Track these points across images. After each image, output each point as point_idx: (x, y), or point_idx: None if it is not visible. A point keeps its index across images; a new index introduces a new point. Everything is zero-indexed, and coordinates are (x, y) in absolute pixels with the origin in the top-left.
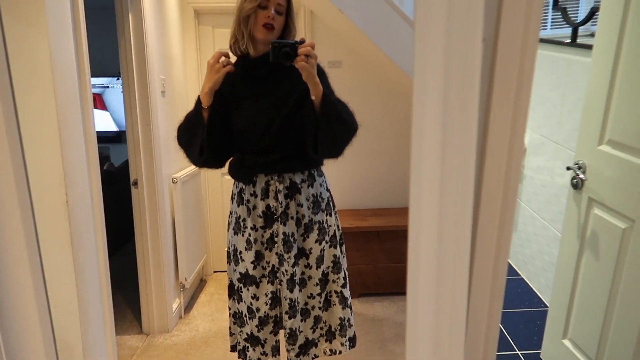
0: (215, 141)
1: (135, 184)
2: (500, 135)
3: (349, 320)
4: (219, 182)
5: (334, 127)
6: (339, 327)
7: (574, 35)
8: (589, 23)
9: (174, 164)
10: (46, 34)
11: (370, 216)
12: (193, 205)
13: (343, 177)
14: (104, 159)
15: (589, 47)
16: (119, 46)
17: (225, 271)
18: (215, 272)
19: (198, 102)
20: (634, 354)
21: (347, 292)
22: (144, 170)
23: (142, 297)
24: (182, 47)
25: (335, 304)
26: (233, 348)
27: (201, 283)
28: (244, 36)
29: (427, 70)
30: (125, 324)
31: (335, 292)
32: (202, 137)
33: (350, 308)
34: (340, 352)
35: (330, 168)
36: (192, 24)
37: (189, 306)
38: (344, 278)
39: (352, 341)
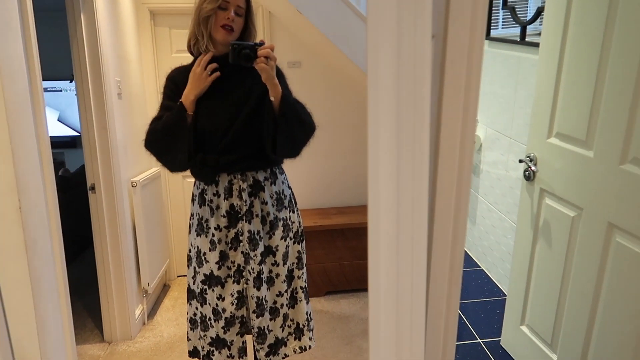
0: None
1: (93, 188)
2: (452, 128)
3: (311, 314)
4: (180, 184)
5: (292, 127)
6: (306, 323)
7: (523, 33)
8: (537, 22)
9: (133, 167)
10: None
11: (335, 214)
12: (154, 208)
13: (307, 177)
14: (58, 164)
15: (536, 45)
16: (72, 48)
17: None
18: (179, 276)
19: (180, 108)
20: (586, 336)
21: (307, 287)
22: (102, 175)
23: (103, 304)
24: (138, 48)
25: (301, 300)
26: (191, 354)
27: (165, 288)
28: (204, 37)
29: (379, 67)
30: (86, 332)
31: (301, 287)
32: (189, 143)
33: (310, 303)
34: (309, 347)
35: (294, 167)
36: (147, 24)
37: (152, 312)
38: (305, 273)
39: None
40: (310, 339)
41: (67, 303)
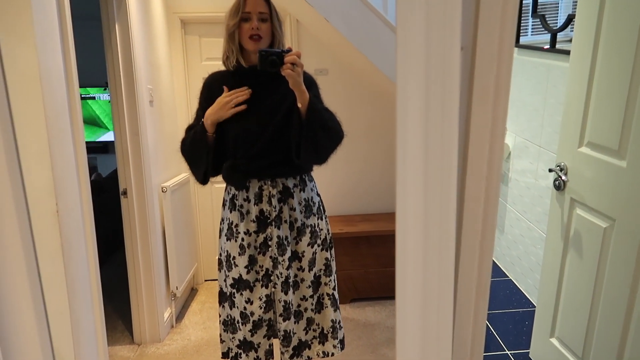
0: (215, 158)
1: (125, 193)
2: (480, 138)
3: (339, 322)
4: (209, 190)
5: (317, 134)
6: (331, 330)
7: (553, 41)
8: (568, 29)
9: (163, 173)
10: (34, 47)
11: (360, 221)
12: (183, 213)
13: (333, 183)
14: (91, 169)
15: (567, 52)
16: (106, 56)
17: (217, 279)
18: (206, 280)
19: (202, 127)
20: (619, 349)
21: (336, 295)
22: (133, 180)
23: (133, 306)
24: (169, 56)
25: (327, 307)
26: (224, 355)
27: (192, 292)
28: (233, 52)
29: (409, 78)
30: (117, 334)
31: (327, 294)
32: (207, 161)
33: (339, 312)
34: (332, 354)
35: (320, 174)
36: (178, 33)
37: (180, 315)
38: (334, 281)
39: (342, 343)
40: (334, 346)
41: (100, 304)
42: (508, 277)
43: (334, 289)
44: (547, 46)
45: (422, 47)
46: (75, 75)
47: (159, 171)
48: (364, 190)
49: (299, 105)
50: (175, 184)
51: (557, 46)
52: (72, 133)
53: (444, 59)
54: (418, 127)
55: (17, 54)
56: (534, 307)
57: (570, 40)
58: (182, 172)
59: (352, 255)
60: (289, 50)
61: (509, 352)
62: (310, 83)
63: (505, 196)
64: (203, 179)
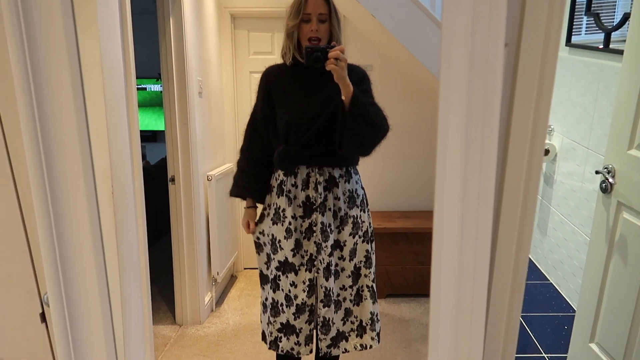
0: (267, 145)
1: (173, 180)
2: (521, 136)
3: (377, 315)
4: None
5: (359, 126)
6: (369, 322)
7: (607, 40)
8: (624, 28)
9: (209, 162)
10: (97, 40)
11: (399, 218)
12: (226, 202)
13: (373, 179)
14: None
15: (621, 52)
16: (160, 48)
17: (256, 268)
18: (245, 268)
19: (243, 196)
20: None
21: (375, 288)
22: (181, 167)
23: (177, 289)
24: (219, 50)
25: (366, 299)
26: (264, 336)
27: (232, 279)
28: (290, 49)
29: (452, 73)
30: (160, 314)
31: (367, 286)
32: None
33: (377, 303)
34: (370, 347)
35: (361, 169)
36: (228, 27)
37: (220, 300)
38: (374, 274)
39: (379, 336)
40: (372, 338)
41: (147, 284)
42: (549, 280)
43: (373, 281)
44: (600, 46)
45: (467, 43)
46: (132, 66)
47: (205, 160)
48: (404, 187)
49: (343, 97)
50: (220, 173)
51: (612, 46)
52: (128, 121)
53: (488, 55)
54: (459, 121)
55: (82, 45)
56: (574, 312)
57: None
58: (227, 162)
59: (389, 251)
60: (333, 46)
61: (546, 356)
62: (361, 77)
63: (550, 198)
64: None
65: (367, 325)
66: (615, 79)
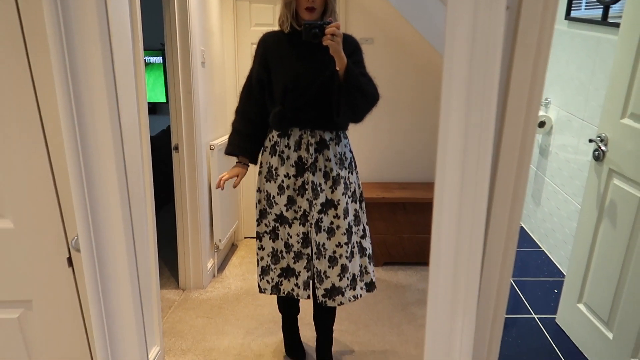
0: (263, 107)
1: (176, 148)
2: (520, 92)
3: (366, 267)
4: None
5: (353, 95)
6: (359, 274)
7: (605, 14)
8: (622, 1)
9: (211, 132)
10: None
11: (397, 189)
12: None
13: (371, 151)
14: None
15: (618, 25)
16: (164, 18)
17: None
18: (245, 237)
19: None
20: None
21: (366, 244)
22: (185, 136)
23: (180, 255)
24: (221, 20)
25: (355, 254)
26: (262, 290)
27: (233, 247)
28: (288, 18)
29: (456, 35)
30: (163, 279)
31: (356, 242)
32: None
33: (369, 258)
34: (360, 296)
35: (361, 142)
36: None
37: (221, 267)
38: (363, 230)
39: (370, 286)
40: (361, 288)
41: (155, 249)
42: (541, 248)
43: (362, 237)
44: (599, 19)
45: (471, 4)
46: (140, 34)
47: (208, 130)
48: (403, 159)
49: (338, 69)
50: (222, 142)
51: (609, 20)
52: (136, 88)
53: (490, 16)
54: (463, 78)
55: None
56: (564, 277)
57: None
58: (228, 133)
59: (387, 221)
60: (330, 22)
61: (535, 316)
62: (354, 48)
63: (545, 170)
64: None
65: (357, 277)
66: (611, 52)
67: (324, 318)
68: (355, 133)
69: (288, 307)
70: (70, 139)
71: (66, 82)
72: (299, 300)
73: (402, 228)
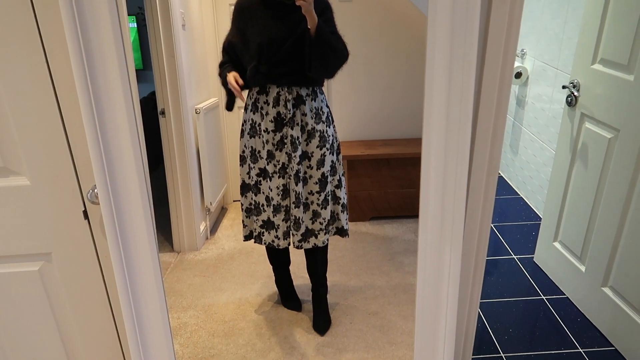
0: (240, 65)
1: (163, 113)
2: (498, 35)
3: (338, 214)
4: (237, 114)
5: (324, 51)
6: (330, 219)
7: None
8: None
9: (196, 96)
10: None
11: (380, 146)
12: (214, 135)
13: (354, 110)
14: None
15: None
16: None
17: None
18: (234, 201)
19: (224, 79)
20: (612, 247)
21: (340, 193)
22: (170, 100)
23: (173, 218)
24: None
25: (329, 202)
26: (246, 238)
27: (222, 210)
28: None
29: None
30: (158, 242)
31: (331, 191)
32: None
33: (343, 207)
34: (326, 240)
35: (343, 101)
36: None
37: (213, 229)
38: (339, 181)
39: (341, 232)
40: (329, 231)
41: (152, 210)
42: (519, 195)
43: (336, 187)
44: None
45: None
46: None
47: (193, 93)
48: (385, 117)
49: (309, 27)
50: (207, 106)
51: None
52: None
53: None
54: (445, 30)
55: None
56: (541, 220)
57: None
58: (212, 97)
59: (372, 177)
60: None
61: (515, 257)
62: (324, 7)
63: (522, 120)
64: (228, 106)
65: (329, 223)
66: (582, 1)
67: (316, 267)
68: (337, 92)
69: (276, 258)
70: (84, 95)
71: (77, 36)
72: (287, 250)
73: (386, 183)
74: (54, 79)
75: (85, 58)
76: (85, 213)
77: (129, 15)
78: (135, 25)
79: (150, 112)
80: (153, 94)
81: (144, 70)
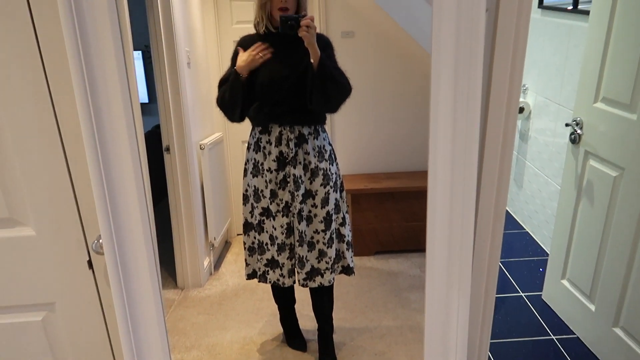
0: (244, 102)
1: (168, 149)
2: (501, 84)
3: (343, 252)
4: (240, 149)
5: (326, 85)
6: (336, 258)
7: (576, 1)
8: None
9: (201, 131)
10: None
11: (384, 179)
12: (218, 170)
13: (358, 144)
14: None
15: (588, 12)
16: (148, 19)
17: None
18: (238, 234)
19: (236, 74)
20: (622, 287)
21: (344, 230)
22: (175, 137)
23: (177, 254)
24: (202, 19)
25: (334, 240)
26: (249, 276)
27: (227, 244)
28: (263, 19)
29: (442, 36)
30: (161, 279)
31: (336, 229)
32: (242, 99)
33: (347, 244)
34: (332, 280)
35: (347, 134)
36: None
37: (217, 264)
38: (342, 218)
39: (347, 270)
40: (335, 270)
41: (156, 249)
42: (525, 229)
43: (340, 225)
44: (570, 7)
45: (454, 9)
46: (129, 33)
47: (197, 129)
48: (389, 150)
49: (312, 61)
50: (212, 142)
51: (580, 7)
52: (130, 90)
53: (472, 19)
54: (449, 75)
55: None
56: (548, 255)
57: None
58: (216, 132)
59: (376, 211)
60: (305, 15)
61: (523, 294)
62: (325, 44)
63: (525, 154)
64: (240, 116)
65: (335, 262)
66: (582, 38)
67: (322, 306)
68: (341, 126)
69: (282, 297)
70: (90, 143)
71: (84, 89)
72: (293, 289)
73: (391, 217)
74: (61, 128)
75: (93, 109)
76: (90, 263)
77: (135, 50)
78: (141, 59)
79: (155, 145)
80: (158, 127)
81: (150, 104)
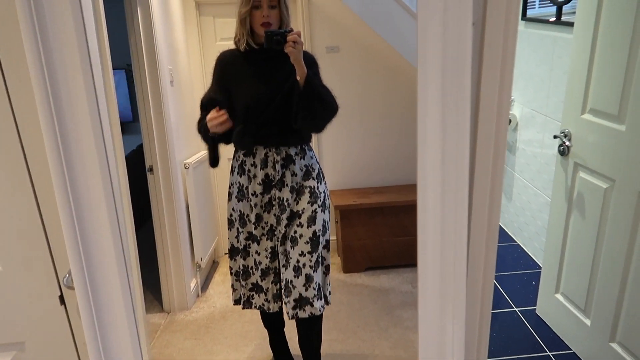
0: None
1: (151, 170)
2: (490, 99)
3: (326, 282)
4: (227, 166)
5: (312, 103)
6: (321, 284)
7: (559, 13)
8: (573, 1)
9: (185, 150)
10: None
11: (373, 194)
12: (204, 189)
13: (346, 159)
14: None
15: (572, 24)
16: (129, 38)
17: None
18: (226, 253)
19: (213, 139)
20: (618, 301)
21: (327, 254)
22: (159, 157)
23: (162, 277)
24: (185, 37)
25: (319, 264)
26: (236, 302)
27: (214, 264)
28: (244, 35)
29: (429, 50)
30: (146, 303)
31: (321, 252)
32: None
33: (327, 269)
34: (322, 308)
35: (336, 150)
36: (193, 15)
37: (204, 285)
38: (327, 241)
39: (325, 299)
40: (319, 299)
41: (138, 273)
42: (516, 242)
43: (324, 247)
44: (553, 18)
45: (440, 22)
46: (108, 53)
47: (181, 148)
48: (377, 164)
49: (298, 78)
50: (196, 161)
51: (563, 18)
52: (108, 109)
53: (459, 32)
54: (437, 90)
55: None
56: (540, 268)
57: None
58: (202, 150)
59: (366, 226)
60: (291, 30)
61: (517, 309)
62: (311, 62)
63: (513, 165)
64: (212, 163)
65: (320, 287)
66: (567, 49)
67: (311, 339)
68: (328, 141)
69: (271, 322)
70: (57, 171)
71: (51, 116)
72: (281, 313)
73: (381, 232)
74: (28, 160)
75: (60, 139)
76: (61, 298)
77: (116, 69)
78: (125, 79)
79: (142, 163)
80: (141, 146)
81: (134, 122)
